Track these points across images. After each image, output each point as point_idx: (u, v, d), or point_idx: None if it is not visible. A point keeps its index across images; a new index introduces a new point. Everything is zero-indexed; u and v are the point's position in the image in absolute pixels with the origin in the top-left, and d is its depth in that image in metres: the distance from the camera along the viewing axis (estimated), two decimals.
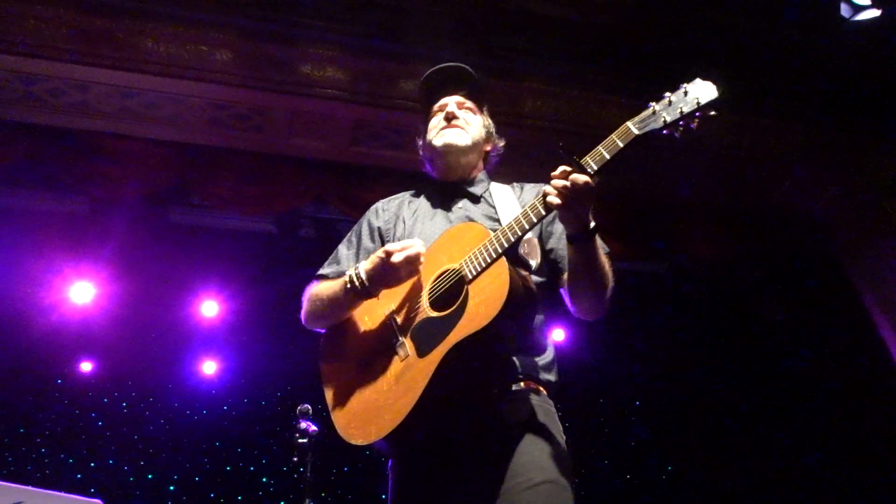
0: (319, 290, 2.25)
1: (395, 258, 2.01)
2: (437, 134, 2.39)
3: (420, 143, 2.52)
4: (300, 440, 2.92)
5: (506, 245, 1.92)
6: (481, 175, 2.45)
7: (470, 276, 1.95)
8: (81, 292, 5.54)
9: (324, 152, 5.37)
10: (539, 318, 2.15)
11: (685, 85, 1.84)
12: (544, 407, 2.05)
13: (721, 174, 5.80)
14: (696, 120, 1.82)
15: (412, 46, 4.99)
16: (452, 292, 1.98)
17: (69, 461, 5.71)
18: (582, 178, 1.82)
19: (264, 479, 6.10)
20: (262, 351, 6.08)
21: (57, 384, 5.87)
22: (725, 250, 6.01)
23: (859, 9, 4.65)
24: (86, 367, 5.94)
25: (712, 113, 1.80)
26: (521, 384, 2.04)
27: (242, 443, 6.10)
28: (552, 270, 2.19)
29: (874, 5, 4.63)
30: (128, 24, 4.61)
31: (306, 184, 5.39)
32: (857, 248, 5.95)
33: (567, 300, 2.13)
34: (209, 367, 6.18)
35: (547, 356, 2.15)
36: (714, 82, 1.81)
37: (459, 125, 2.38)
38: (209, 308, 5.95)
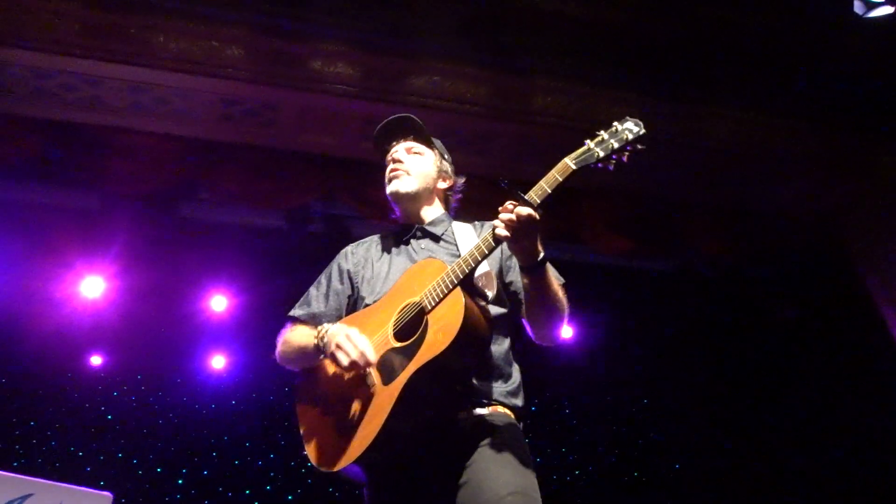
0: (292, 337, 2.40)
1: (342, 358, 2.07)
2: (387, 182, 2.54)
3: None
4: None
5: (461, 276, 2.05)
6: (441, 215, 2.56)
7: (429, 307, 2.08)
8: (92, 287, 5.57)
9: (334, 148, 5.38)
10: (502, 345, 2.27)
11: (616, 123, 2.00)
12: (510, 431, 2.14)
13: (731, 173, 5.78)
14: (626, 153, 1.99)
15: (422, 43, 4.99)
16: (414, 323, 2.11)
17: (79, 454, 5.75)
18: (525, 210, 1.96)
19: (272, 474, 6.13)
20: (270, 346, 6.07)
21: (67, 378, 5.90)
22: (735, 249, 5.99)
23: (873, 5, 4.61)
24: (96, 361, 5.97)
25: (640, 147, 1.98)
26: (488, 408, 2.15)
27: (251, 437, 6.13)
28: (513, 302, 2.32)
29: (887, 2, 4.59)
30: (139, 20, 4.62)
31: (316, 179, 5.40)
32: (868, 246, 5.92)
33: (528, 329, 2.27)
34: (218, 362, 6.20)
35: (513, 382, 2.25)
36: (642, 120, 1.99)
37: (403, 170, 2.50)
38: (218, 303, 5.97)
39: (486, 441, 2.07)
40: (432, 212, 2.55)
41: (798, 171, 5.83)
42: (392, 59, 5.00)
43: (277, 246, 5.89)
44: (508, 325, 2.30)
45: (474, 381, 2.16)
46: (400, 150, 2.55)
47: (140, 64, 4.71)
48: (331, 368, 2.25)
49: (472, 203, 5.47)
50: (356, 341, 2.08)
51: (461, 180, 2.66)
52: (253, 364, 6.21)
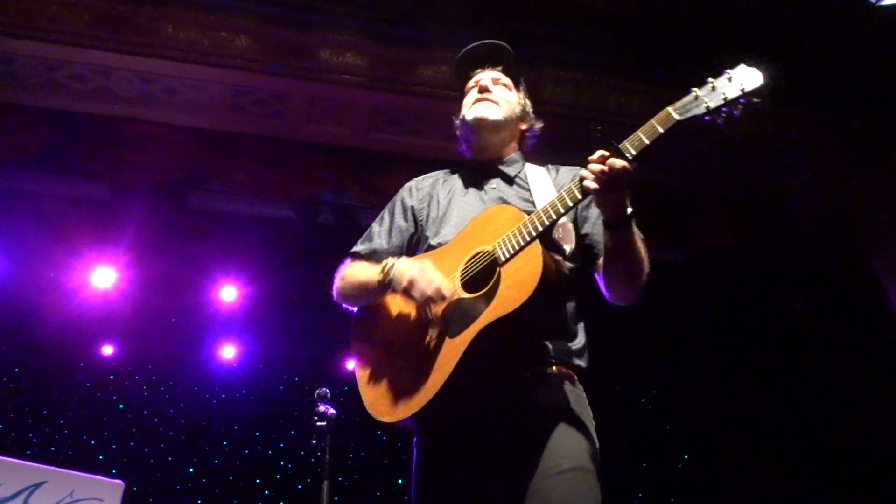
0: (352, 272, 2.26)
1: (416, 292, 1.98)
2: (470, 108, 2.36)
3: (456, 122, 2.46)
4: (318, 423, 2.93)
5: (540, 229, 1.91)
6: (515, 155, 2.40)
7: (503, 259, 1.93)
8: (103, 277, 5.61)
9: (343, 138, 5.37)
10: (571, 303, 2.14)
11: (729, 70, 1.81)
12: (576, 392, 2.05)
13: (742, 163, 5.74)
14: (741, 106, 1.79)
15: (432, 32, 4.97)
16: (485, 274, 1.97)
17: (91, 442, 5.80)
18: (620, 162, 1.79)
19: (282, 463, 6.16)
20: (280, 335, 6.13)
21: (79, 367, 5.95)
22: (746, 240, 5.95)
23: None
24: (107, 350, 6.01)
25: (756, 100, 1.78)
26: (554, 368, 2.03)
27: (260, 426, 6.16)
28: (586, 255, 2.16)
29: None
30: (149, 10, 4.63)
31: (325, 170, 5.39)
32: (881, 237, 5.86)
33: (602, 285, 2.10)
34: (228, 352, 6.23)
35: (579, 341, 2.13)
36: (759, 69, 1.80)
37: (492, 99, 2.34)
38: (228, 293, 5.99)
39: (554, 407, 1.96)
40: (509, 150, 2.40)
41: (810, 162, 5.79)
42: (401, 49, 4.98)
43: (287, 236, 5.90)
44: (579, 282, 2.15)
45: (545, 340, 2.04)
46: (486, 78, 2.38)
47: (149, 54, 4.73)
48: (394, 309, 2.12)
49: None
50: (431, 276, 1.96)
51: (539, 124, 2.48)
52: (262, 353, 6.23)
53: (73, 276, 5.61)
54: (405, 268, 2.02)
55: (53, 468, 3.55)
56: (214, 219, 5.87)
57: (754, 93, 1.78)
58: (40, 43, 4.59)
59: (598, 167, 1.81)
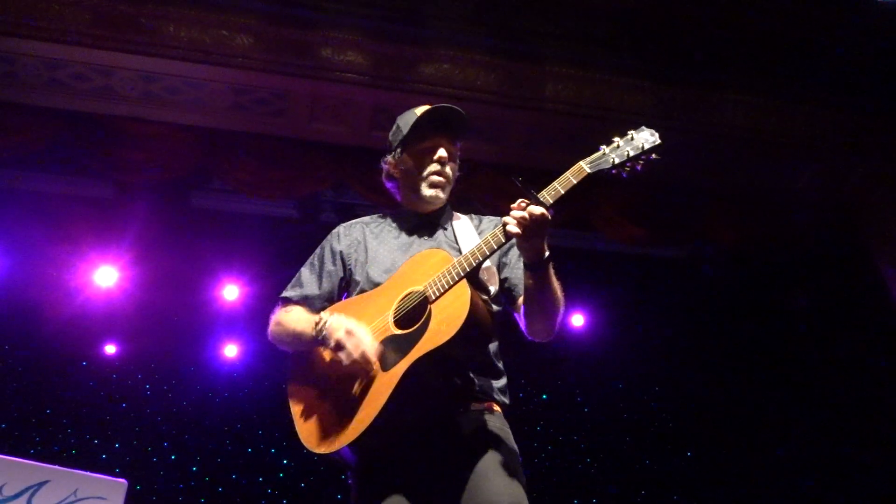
0: (287, 319, 2.36)
1: (343, 355, 2.06)
2: (429, 182, 2.41)
3: (389, 159, 2.51)
4: None
5: (468, 269, 2.06)
6: (446, 208, 2.51)
7: (433, 297, 2.07)
8: (105, 276, 5.61)
9: (345, 137, 5.37)
10: (495, 343, 2.29)
11: (631, 131, 2.04)
12: (501, 427, 2.17)
13: (745, 158, 5.73)
14: (641, 162, 2.03)
15: (433, 30, 4.97)
16: (416, 312, 2.10)
17: (94, 441, 5.80)
18: (538, 209, 1.97)
19: (285, 461, 6.17)
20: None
21: (82, 366, 5.95)
22: (748, 236, 5.94)
23: None
24: (110, 349, 6.02)
25: (654, 157, 2.03)
26: (483, 404, 2.18)
27: (263, 425, 6.16)
28: (507, 297, 2.33)
29: None
30: (150, 9, 4.64)
31: (327, 168, 5.39)
32: (884, 233, 5.85)
33: (522, 323, 2.26)
34: (231, 350, 6.23)
35: (503, 380, 2.29)
36: (657, 131, 2.04)
37: (447, 178, 2.43)
38: (231, 292, 5.99)
39: (483, 442, 2.09)
40: (439, 204, 2.50)
41: (813, 156, 5.77)
42: (402, 47, 4.98)
43: (289, 235, 5.90)
44: (501, 323, 2.31)
45: (472, 376, 2.18)
46: (445, 153, 2.43)
47: (151, 53, 4.73)
48: (327, 353, 2.20)
49: (481, 189, 5.45)
50: (359, 339, 2.06)
51: (458, 173, 2.55)
52: (265, 352, 6.22)
53: (76, 275, 5.62)
54: (335, 327, 2.10)
55: (57, 467, 3.56)
56: (216, 217, 5.88)
57: (651, 150, 2.02)
58: (42, 42, 4.60)
59: (519, 214, 1.98)
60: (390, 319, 2.13)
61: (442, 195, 2.43)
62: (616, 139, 2.04)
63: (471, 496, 2.00)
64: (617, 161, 2.02)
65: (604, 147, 2.05)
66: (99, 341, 5.98)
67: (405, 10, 4.92)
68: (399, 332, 2.10)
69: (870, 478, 5.71)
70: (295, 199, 5.73)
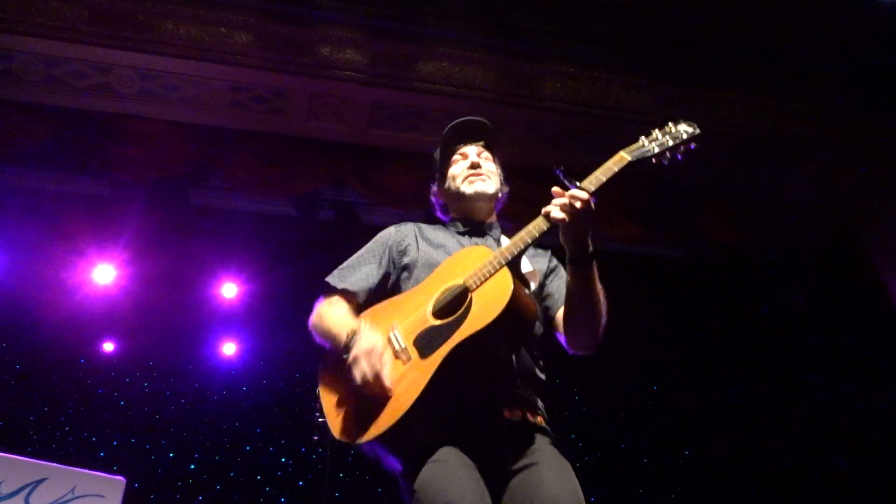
0: (328, 314, 2.27)
1: (357, 372, 1.99)
2: (466, 181, 2.46)
3: (434, 188, 2.59)
4: (320, 419, 2.93)
5: (509, 257, 2.02)
6: (496, 222, 2.53)
7: (474, 286, 2.03)
8: (103, 274, 5.61)
9: (343, 134, 5.37)
10: (537, 334, 2.25)
11: (671, 122, 2.11)
12: (548, 435, 2.15)
13: (743, 157, 5.73)
14: (681, 151, 2.08)
15: (432, 28, 4.96)
16: (456, 303, 2.05)
17: (92, 439, 5.79)
18: (583, 194, 1.95)
19: (283, 459, 6.17)
20: (280, 332, 6.13)
21: (80, 364, 5.95)
22: (746, 234, 5.95)
23: None
24: (108, 347, 6.01)
25: (693, 146, 2.09)
26: (539, 419, 2.15)
27: (261, 423, 6.16)
28: (545, 313, 2.31)
29: None
30: (148, 7, 4.63)
31: (325, 166, 5.39)
32: (881, 232, 5.86)
33: (562, 337, 2.23)
34: (229, 348, 6.23)
35: (544, 399, 2.25)
36: (696, 122, 2.12)
37: (485, 173, 2.48)
38: (229, 290, 6.00)
39: (532, 436, 2.06)
40: (492, 217, 2.53)
41: (810, 155, 5.78)
42: (401, 45, 4.97)
43: (287, 233, 5.90)
44: (541, 328, 2.28)
45: (518, 380, 2.12)
46: (473, 153, 2.51)
47: (149, 51, 4.73)
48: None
49: None
50: (374, 361, 1.98)
51: (506, 189, 2.60)
52: (263, 350, 6.24)
53: (74, 273, 5.61)
54: (360, 343, 2.03)
55: (55, 465, 3.55)
56: (215, 215, 5.88)
57: (691, 140, 2.08)
58: (40, 39, 4.59)
59: (562, 200, 1.96)
60: (429, 311, 2.08)
61: (484, 187, 2.44)
62: (655, 131, 2.09)
63: (531, 486, 1.93)
64: (657, 150, 2.05)
65: (643, 137, 2.09)
66: (97, 339, 5.97)
67: (403, 7, 4.92)
68: (438, 322, 2.03)
69: (867, 477, 5.72)
70: (293, 196, 5.72)
